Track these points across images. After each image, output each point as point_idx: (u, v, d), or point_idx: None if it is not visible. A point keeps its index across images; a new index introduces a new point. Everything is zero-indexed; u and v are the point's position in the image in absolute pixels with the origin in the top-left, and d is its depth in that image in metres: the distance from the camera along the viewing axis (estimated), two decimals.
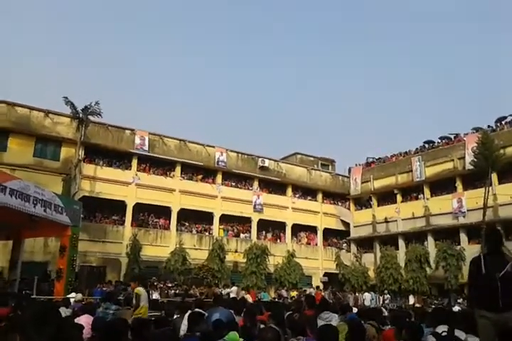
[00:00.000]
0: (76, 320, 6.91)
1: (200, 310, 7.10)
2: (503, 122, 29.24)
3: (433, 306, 20.01)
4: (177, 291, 20.96)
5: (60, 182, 24.45)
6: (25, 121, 24.79)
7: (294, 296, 23.69)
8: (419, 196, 31.99)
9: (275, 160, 34.73)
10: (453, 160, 29.95)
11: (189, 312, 7.18)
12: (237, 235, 31.42)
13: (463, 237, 28.45)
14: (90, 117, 25.33)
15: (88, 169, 26.14)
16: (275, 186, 34.17)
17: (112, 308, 8.19)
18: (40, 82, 77.97)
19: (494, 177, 26.82)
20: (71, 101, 24.63)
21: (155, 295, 18.90)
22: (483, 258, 4.91)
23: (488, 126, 29.40)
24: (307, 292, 22.40)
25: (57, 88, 70.51)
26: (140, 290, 8.59)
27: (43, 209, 13.20)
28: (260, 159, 33.24)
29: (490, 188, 25.62)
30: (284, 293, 25.45)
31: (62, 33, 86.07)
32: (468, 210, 28.22)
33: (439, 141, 33.10)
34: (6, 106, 24.54)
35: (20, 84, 75.27)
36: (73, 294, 12.65)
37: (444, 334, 4.97)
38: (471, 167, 26.69)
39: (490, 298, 4.67)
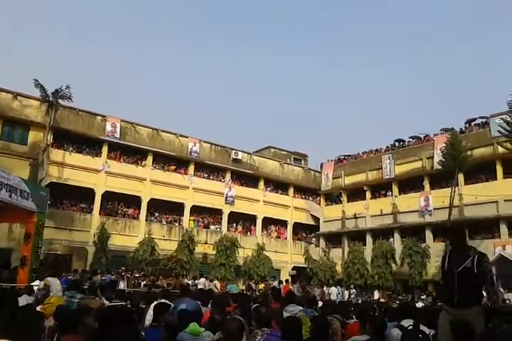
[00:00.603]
0: (38, 308, 6.75)
1: (166, 301, 7.05)
2: (472, 124, 29.94)
3: (397, 302, 20.49)
4: (144, 282, 20.78)
5: (27, 167, 23.79)
6: None
7: (261, 289, 23.84)
8: (388, 193, 32.58)
9: (248, 153, 34.70)
10: (422, 159, 30.56)
11: (155, 302, 7.12)
12: (207, 227, 31.32)
13: (428, 235, 29.13)
14: (60, 101, 24.68)
15: (56, 154, 25.48)
16: (247, 179, 34.18)
17: (77, 297, 8.02)
18: (8, 63, 75.40)
19: (461, 177, 27.51)
20: (41, 83, 23.97)
21: (122, 285, 18.69)
22: (448, 254, 5.01)
23: (457, 131, 29.99)
24: (271, 285, 22.58)
25: (26, 70, 68.30)
26: (49, 280, 8.45)
27: (8, 194, 12.82)
28: (233, 151, 33.14)
29: (456, 188, 26.29)
30: (253, 285, 25.62)
31: (39, 11, 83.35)
32: (434, 209, 28.90)
33: (410, 140, 33.72)
34: None
35: None
36: (37, 282, 12.35)
37: (410, 327, 5.08)
38: (439, 167, 27.30)
39: (449, 293, 4.80)
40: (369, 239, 32.51)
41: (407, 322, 5.25)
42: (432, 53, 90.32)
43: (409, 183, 31.38)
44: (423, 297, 23.44)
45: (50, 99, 24.27)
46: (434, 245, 27.89)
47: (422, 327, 5.13)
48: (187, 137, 31.09)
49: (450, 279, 4.81)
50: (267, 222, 34.61)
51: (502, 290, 21.18)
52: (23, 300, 7.29)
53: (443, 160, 26.54)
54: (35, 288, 10.28)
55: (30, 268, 14.52)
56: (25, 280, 13.55)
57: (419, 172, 30.59)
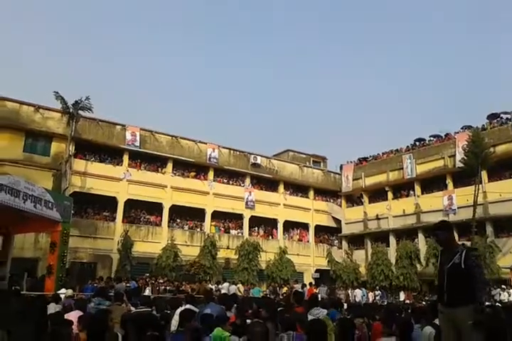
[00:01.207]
0: (66, 316, 6.87)
1: (192, 307, 7.11)
2: (495, 120, 29.40)
3: (423, 302, 20.16)
4: (168, 287, 20.91)
5: (50, 178, 24.27)
6: (15, 116, 24.51)
7: (284, 292, 23.76)
8: (410, 193, 32.18)
9: (267, 157, 34.73)
10: (443, 158, 30.12)
11: (181, 308, 7.18)
12: (228, 231, 31.41)
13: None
14: (81, 112, 25.15)
15: (79, 164, 25.95)
16: (267, 183, 34.19)
17: (105, 304, 8.13)
18: (30, 77, 77.23)
19: (484, 175, 27.02)
20: (61, 95, 24.48)
21: (147, 292, 18.85)
22: (440, 254, 4.92)
23: (478, 128, 29.50)
24: (295, 288, 22.53)
25: (47, 83, 69.89)
26: None
27: (33, 204, 13.11)
28: (252, 156, 33.21)
29: (480, 186, 25.82)
30: (276, 289, 25.58)
31: (56, 24, 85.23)
32: (458, 207, 28.41)
33: (430, 138, 33.31)
34: None
35: (9, 78, 74.56)
36: (63, 290, 12.56)
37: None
38: (462, 165, 26.84)
39: (440, 291, 4.72)
40: (392, 239, 32.13)
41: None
42: (451, 49, 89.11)
43: (432, 182, 30.98)
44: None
45: (71, 110, 24.74)
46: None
47: None
48: (205, 143, 31.30)
49: (441, 277, 4.73)
50: (288, 225, 34.52)
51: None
52: (51, 309, 7.44)
53: (465, 158, 26.11)
54: (62, 296, 10.44)
55: (57, 277, 14.78)
56: (52, 289, 13.80)
57: (441, 171, 30.16)
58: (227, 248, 29.54)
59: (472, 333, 3.97)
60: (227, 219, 32.13)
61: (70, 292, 11.36)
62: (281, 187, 34.50)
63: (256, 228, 33.18)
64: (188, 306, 7.32)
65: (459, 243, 4.92)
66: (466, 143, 26.39)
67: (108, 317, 4.83)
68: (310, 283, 25.96)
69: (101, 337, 4.06)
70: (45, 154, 25.34)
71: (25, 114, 24.99)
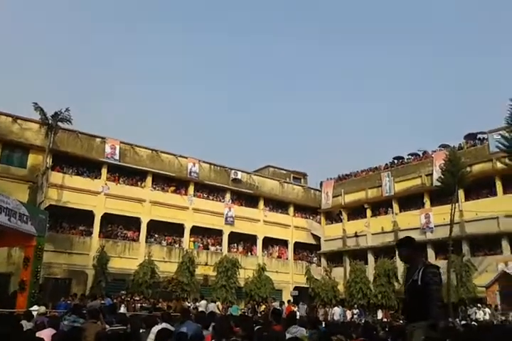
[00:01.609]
0: (38, 334, 6.66)
1: (168, 326, 6.98)
2: (473, 141, 30.02)
3: (401, 321, 20.18)
4: (144, 305, 20.52)
5: (26, 190, 23.79)
6: None
7: (263, 310, 23.55)
8: (389, 211, 32.52)
9: (248, 173, 34.77)
10: (421, 176, 30.63)
11: (157, 327, 7.04)
12: (207, 248, 31.11)
13: (430, 252, 28.93)
14: (60, 124, 24.85)
15: (56, 177, 25.51)
16: (247, 199, 34.14)
17: (79, 321, 7.95)
18: (8, 87, 76.19)
19: (461, 194, 27.48)
20: (41, 107, 24.16)
21: (122, 309, 18.44)
22: (407, 270, 4.98)
23: (455, 147, 30.12)
24: (273, 306, 22.37)
25: (25, 94, 68.96)
26: None
27: (7, 218, 12.81)
28: (233, 171, 33.21)
29: (456, 204, 26.22)
30: (255, 307, 25.37)
31: (38, 34, 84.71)
32: (435, 226, 28.83)
33: (409, 157, 33.88)
34: None
35: None
36: (36, 307, 12.20)
37: None
38: (439, 183, 27.27)
39: (403, 309, 4.87)
40: (370, 257, 32.28)
41: None
42: (430, 65, 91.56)
43: (410, 200, 31.39)
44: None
45: (50, 121, 24.44)
46: (436, 262, 27.47)
47: None
48: (186, 157, 31.20)
49: (404, 294, 4.79)
50: (268, 241, 34.41)
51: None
52: (23, 326, 7.21)
53: (442, 176, 26.53)
54: (35, 313, 10.13)
55: (30, 293, 14.39)
56: (25, 305, 13.41)
57: (418, 190, 30.62)
58: (206, 264, 29.22)
59: None
60: (206, 235, 31.86)
61: (42, 309, 11.03)
62: (261, 203, 34.48)
63: (235, 244, 32.97)
64: (164, 325, 7.18)
65: (423, 260, 4.83)
66: (443, 161, 26.85)
67: (82, 335, 4.71)
68: (288, 301, 25.85)
69: None
70: (21, 166, 24.87)
71: (2, 125, 24.58)
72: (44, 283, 20.49)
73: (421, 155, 32.80)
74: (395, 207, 32.00)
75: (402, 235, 30.58)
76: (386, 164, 34.77)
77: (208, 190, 32.25)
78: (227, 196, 32.82)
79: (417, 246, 4.93)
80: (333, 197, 36.17)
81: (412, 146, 70.69)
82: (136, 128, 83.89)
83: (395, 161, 34.50)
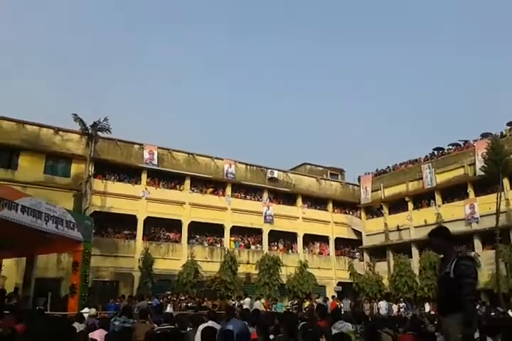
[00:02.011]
0: (90, 335, 6.94)
1: (214, 324, 7.11)
2: None
3: None
4: (190, 304, 20.90)
5: (71, 199, 24.66)
6: (35, 139, 25.09)
7: (307, 307, 23.51)
8: (431, 203, 31.77)
9: (284, 171, 34.75)
10: (463, 166, 29.79)
11: (203, 325, 7.19)
12: (248, 246, 31.34)
13: (477, 243, 28.13)
14: (99, 133, 25.62)
15: (98, 184, 26.36)
16: (285, 197, 34.14)
17: (129, 322, 8.23)
18: (46, 99, 79.11)
19: (506, 182, 26.60)
20: (80, 117, 24.98)
21: (169, 309, 18.86)
22: (441, 261, 4.75)
23: (497, 135, 29.13)
24: (317, 302, 22.33)
25: (65, 105, 71.47)
26: None
27: (54, 225, 13.34)
28: (269, 170, 33.28)
29: (502, 193, 25.37)
30: (299, 303, 25.37)
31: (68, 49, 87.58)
32: (481, 216, 27.94)
33: (449, 147, 33.02)
34: (15, 124, 24.87)
35: (26, 101, 76.47)
36: (86, 309, 12.66)
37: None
38: (482, 173, 26.48)
39: (437, 301, 4.65)
40: (415, 250, 31.62)
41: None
42: (470, 54, 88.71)
43: (453, 191, 30.57)
44: (477, 307, 22.35)
45: (90, 131, 25.23)
46: (483, 253, 26.92)
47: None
48: (222, 159, 31.51)
49: (438, 287, 4.65)
50: (308, 238, 34.30)
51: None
52: (75, 328, 7.51)
53: (485, 165, 25.77)
54: (86, 315, 10.53)
55: (80, 296, 14.93)
56: (76, 308, 13.93)
57: (461, 180, 29.77)
58: (247, 263, 29.43)
59: None
60: (246, 234, 32.09)
61: (93, 311, 11.44)
62: (299, 201, 34.40)
63: (275, 242, 33.03)
64: (210, 323, 7.33)
65: (456, 251, 4.59)
66: (486, 150, 26.09)
67: (132, 335, 4.87)
68: (333, 296, 25.72)
69: None
70: (65, 175, 25.81)
71: (45, 137, 25.57)
72: (93, 286, 21.18)
73: (462, 145, 31.90)
74: (438, 198, 31.22)
75: (446, 227, 29.89)
76: (426, 156, 33.97)
77: (245, 189, 32.46)
78: (265, 195, 32.93)
79: (450, 236, 4.68)
80: (372, 191, 35.64)
81: (452, 137, 68.50)
82: (172, 134, 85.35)
83: (435, 152, 33.65)
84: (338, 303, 22.39)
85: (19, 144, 24.48)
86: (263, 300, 23.24)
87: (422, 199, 32.60)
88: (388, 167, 36.64)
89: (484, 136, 29.66)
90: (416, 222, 31.99)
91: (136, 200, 27.45)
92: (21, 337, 5.10)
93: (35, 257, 17.55)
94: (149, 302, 18.15)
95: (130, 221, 27.28)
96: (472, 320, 4.06)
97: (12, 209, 11.59)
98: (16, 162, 24.51)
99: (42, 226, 12.81)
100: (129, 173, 28.18)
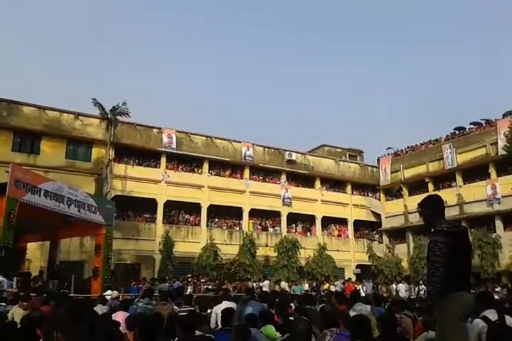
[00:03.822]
0: (113, 316, 7.09)
1: (233, 305, 7.20)
2: None
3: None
4: (210, 286, 21.21)
5: (92, 183, 25.05)
6: (56, 124, 25.42)
7: (326, 289, 23.64)
8: (452, 184, 31.29)
9: (302, 153, 34.56)
10: (485, 146, 29.11)
11: (219, 306, 7.29)
12: (265, 229, 31.49)
13: (498, 224, 27.73)
14: (118, 117, 25.80)
15: (119, 168, 26.67)
16: (303, 179, 34.04)
17: (152, 304, 8.40)
18: (67, 84, 79.73)
19: None
20: (99, 102, 25.16)
21: (189, 291, 19.18)
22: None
23: None
24: (336, 285, 22.46)
25: (83, 90, 72.03)
26: None
27: (77, 209, 13.61)
28: (287, 152, 33.12)
29: None
30: (318, 285, 25.52)
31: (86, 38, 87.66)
32: (503, 197, 27.46)
33: (470, 126, 32.28)
34: (37, 110, 25.18)
35: (46, 87, 77.19)
36: (109, 291, 12.93)
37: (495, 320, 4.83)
38: (504, 152, 25.95)
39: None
40: None
41: (490, 314, 5.03)
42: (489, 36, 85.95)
43: (474, 172, 30.02)
44: (497, 289, 22.18)
45: (109, 116, 25.42)
46: (505, 234, 26.58)
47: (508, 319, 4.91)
48: (240, 142, 31.45)
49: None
50: (327, 221, 34.27)
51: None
52: (99, 310, 7.69)
53: (508, 145, 25.22)
54: (108, 297, 10.74)
55: (103, 279, 15.28)
56: (99, 290, 14.25)
57: (483, 160, 29.16)
58: (266, 246, 29.62)
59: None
60: (264, 217, 32.21)
61: (115, 293, 11.66)
62: (317, 183, 34.27)
63: (294, 225, 33.11)
64: (228, 303, 7.43)
65: (442, 222, 4.02)
66: (509, 129, 25.49)
67: (161, 319, 4.95)
68: (348, 279, 25.79)
69: (152, 338, 4.12)
70: (86, 160, 26.16)
71: (65, 122, 25.85)
72: (115, 269, 21.62)
73: (484, 124, 31.13)
74: (459, 179, 30.68)
75: (467, 208, 29.60)
76: (447, 135, 33.28)
77: (264, 172, 32.44)
78: (283, 177, 32.87)
79: (440, 207, 4.25)
80: (392, 172, 35.23)
81: (473, 116, 66.99)
82: (190, 117, 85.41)
83: (456, 132, 32.95)
84: (355, 286, 22.43)
85: (41, 129, 24.84)
86: (283, 283, 23.45)
87: (443, 179, 32.11)
88: (408, 147, 36.13)
89: (507, 114, 28.91)
90: None
91: (156, 184, 27.72)
92: (47, 319, 5.24)
93: (59, 241, 17.98)
94: (171, 284, 18.46)
95: (150, 204, 27.61)
96: (432, 299, 3.96)
97: (35, 194, 11.85)
98: (38, 147, 24.90)
99: (64, 210, 13.08)
100: (149, 157, 28.40)
